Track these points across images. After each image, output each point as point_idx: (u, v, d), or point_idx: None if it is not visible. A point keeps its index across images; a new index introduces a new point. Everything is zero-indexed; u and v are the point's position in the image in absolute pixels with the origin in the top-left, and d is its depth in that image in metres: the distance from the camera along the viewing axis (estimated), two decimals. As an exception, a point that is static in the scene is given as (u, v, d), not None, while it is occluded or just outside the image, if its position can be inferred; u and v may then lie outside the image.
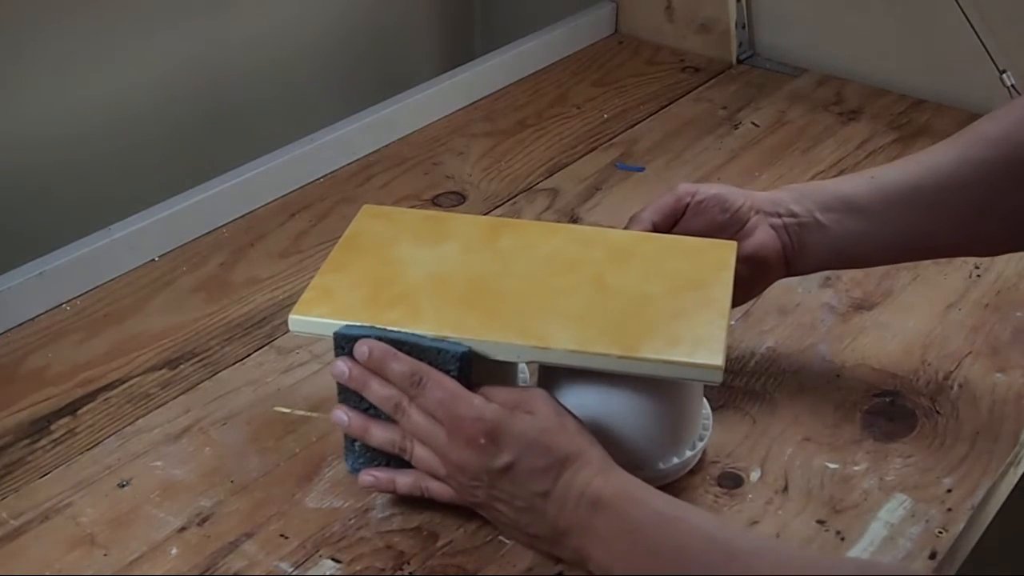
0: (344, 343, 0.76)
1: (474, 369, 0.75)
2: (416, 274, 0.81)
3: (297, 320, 0.79)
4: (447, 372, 0.74)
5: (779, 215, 0.85)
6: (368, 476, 0.78)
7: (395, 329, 0.75)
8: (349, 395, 0.77)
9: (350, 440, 0.79)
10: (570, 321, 0.77)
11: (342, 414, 0.78)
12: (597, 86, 1.39)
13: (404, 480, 0.78)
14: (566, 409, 0.74)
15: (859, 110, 1.33)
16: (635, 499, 0.69)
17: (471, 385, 0.74)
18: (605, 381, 0.77)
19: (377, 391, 0.75)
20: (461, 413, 0.72)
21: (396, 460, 0.78)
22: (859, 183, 0.85)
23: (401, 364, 0.74)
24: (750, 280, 0.86)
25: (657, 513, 0.69)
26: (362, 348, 0.75)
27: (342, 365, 0.76)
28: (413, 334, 0.75)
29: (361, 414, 0.77)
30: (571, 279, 0.81)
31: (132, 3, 1.17)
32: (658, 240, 0.85)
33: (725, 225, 0.86)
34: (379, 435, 0.77)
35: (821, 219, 0.85)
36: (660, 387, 0.77)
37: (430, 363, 0.74)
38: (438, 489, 0.77)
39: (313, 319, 0.78)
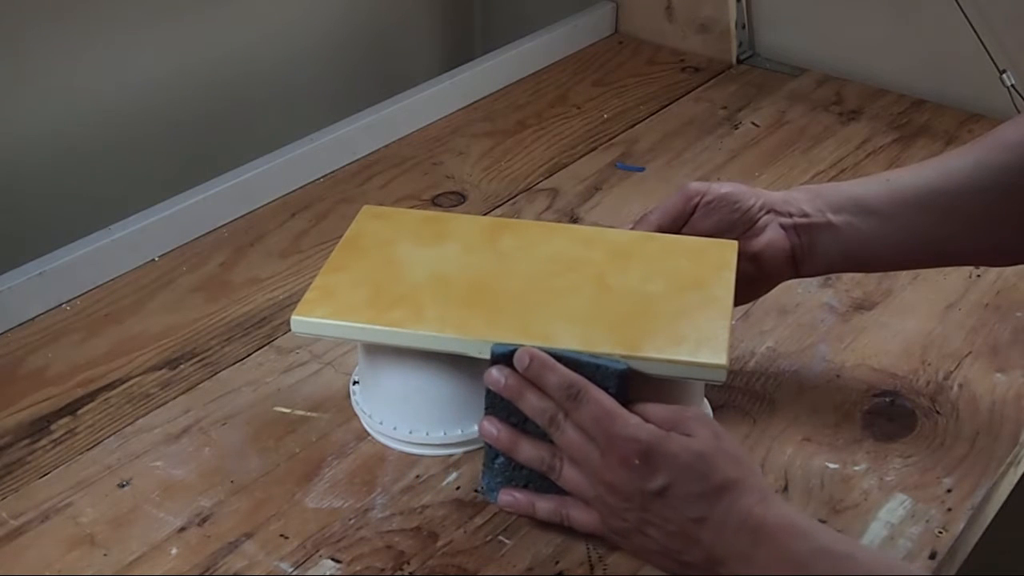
0: (500, 358, 0.75)
1: (473, 367, 0.75)
2: (417, 274, 0.81)
3: (299, 321, 0.79)
4: (605, 389, 0.72)
5: (790, 215, 0.84)
6: (508, 496, 0.76)
7: (561, 349, 0.74)
8: (497, 408, 0.75)
9: (490, 458, 0.77)
10: (573, 321, 0.77)
11: (492, 427, 0.75)
12: (597, 86, 1.39)
13: (545, 505, 0.75)
14: (726, 432, 0.71)
15: (859, 110, 1.33)
16: (800, 531, 0.66)
17: (628, 403, 0.72)
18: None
19: (533, 402, 0.73)
20: (616, 432, 0.69)
21: (534, 484, 0.76)
22: (874, 185, 0.84)
23: (559, 376, 0.72)
24: (757, 279, 0.85)
25: (824, 549, 0.65)
26: (523, 357, 0.73)
27: (498, 373, 0.74)
28: (572, 350, 0.74)
29: (511, 428, 0.75)
30: (572, 279, 0.81)
31: (132, 3, 1.17)
32: (659, 240, 0.85)
33: (735, 224, 0.85)
34: (528, 451, 0.74)
35: (833, 220, 0.83)
36: (660, 388, 0.77)
37: (588, 379, 0.72)
38: (580, 517, 0.74)
39: (315, 320, 0.79)
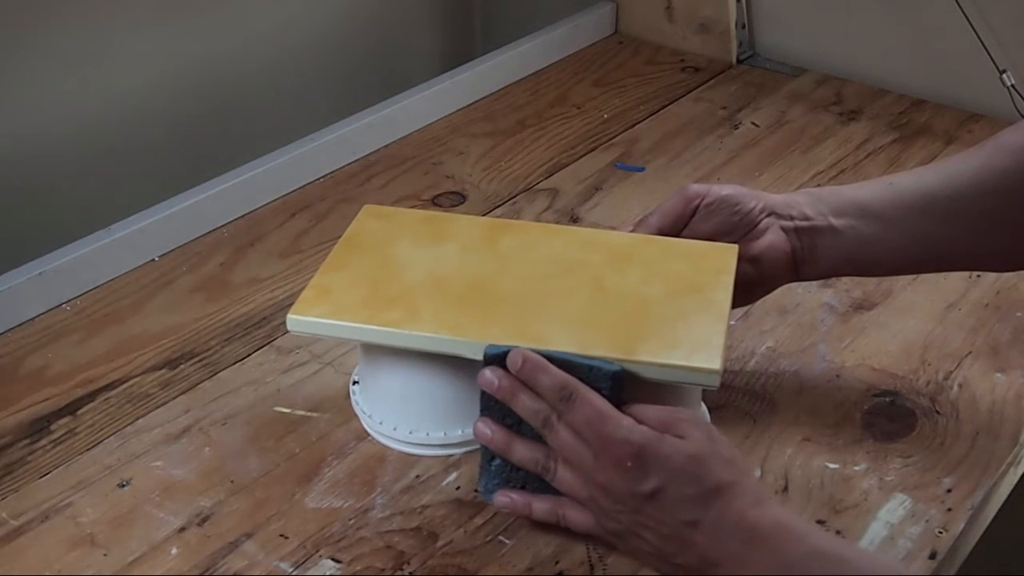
0: (493, 359, 0.74)
1: (473, 368, 0.75)
2: (415, 274, 0.81)
3: (295, 320, 0.79)
4: (598, 390, 0.72)
5: (791, 218, 0.84)
6: (504, 497, 0.76)
7: (554, 350, 0.73)
8: (492, 410, 0.75)
9: (486, 460, 0.77)
10: (569, 323, 0.77)
11: (486, 428, 0.75)
12: (597, 86, 1.39)
13: (541, 506, 0.75)
14: (720, 435, 0.71)
15: (859, 110, 1.33)
16: (794, 534, 0.66)
17: (621, 405, 0.72)
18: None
19: (526, 404, 0.73)
20: (609, 433, 0.69)
21: (531, 485, 0.76)
22: (876, 189, 0.84)
23: (552, 378, 0.72)
24: (756, 282, 0.85)
25: (819, 551, 0.65)
26: (515, 358, 0.73)
27: (491, 375, 0.74)
28: (565, 352, 0.73)
29: (505, 429, 0.75)
30: (570, 281, 0.81)
31: (132, 3, 1.17)
32: (658, 243, 0.85)
33: (735, 226, 0.84)
34: (522, 452, 0.74)
35: (835, 224, 0.83)
36: (655, 392, 0.76)
37: (581, 380, 0.72)
38: (576, 517, 0.73)
39: (311, 319, 0.79)
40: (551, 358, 0.73)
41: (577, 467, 0.72)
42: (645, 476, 0.68)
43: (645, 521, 0.69)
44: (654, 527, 0.69)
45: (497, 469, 0.77)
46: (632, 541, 0.71)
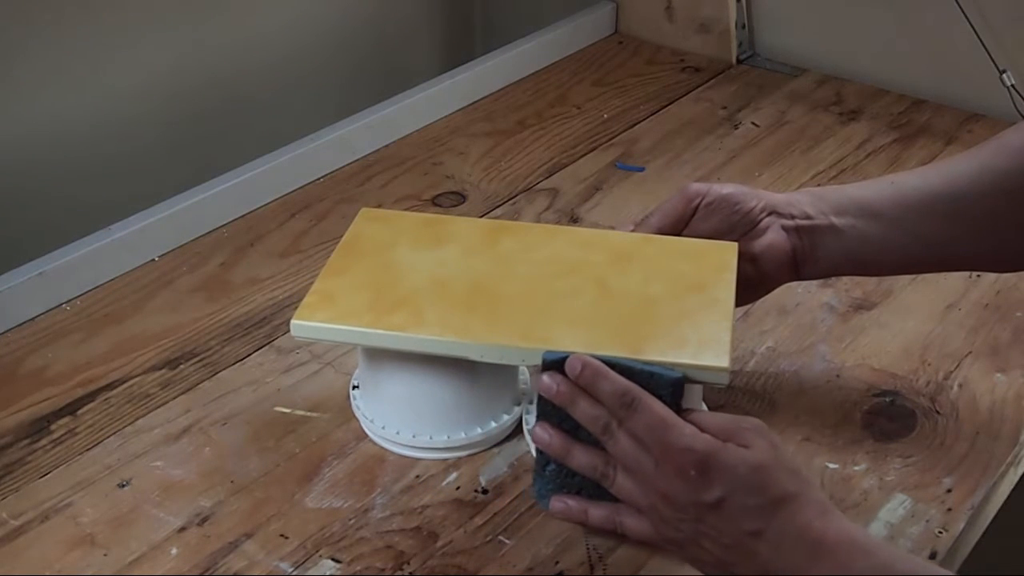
0: (551, 365, 0.73)
1: (475, 371, 0.75)
2: (417, 278, 0.81)
3: (299, 325, 0.78)
4: (659, 397, 0.71)
5: (792, 216, 0.83)
6: (560, 503, 0.74)
7: (614, 356, 0.72)
8: (548, 415, 0.74)
9: (541, 464, 0.75)
10: (574, 324, 0.77)
11: (544, 433, 0.73)
12: (597, 86, 1.39)
13: (598, 512, 0.72)
14: (782, 444, 0.69)
15: (859, 110, 1.33)
16: (861, 548, 0.65)
17: (680, 411, 0.71)
18: None
19: (585, 410, 0.71)
20: (671, 442, 0.68)
21: (586, 491, 0.74)
22: (878, 188, 0.84)
23: (612, 384, 0.70)
24: (757, 281, 0.85)
25: (885, 565, 0.64)
26: (575, 364, 0.71)
27: (549, 380, 0.72)
28: (625, 358, 0.72)
29: (564, 434, 0.74)
30: (573, 282, 0.81)
31: (132, 3, 1.17)
32: (658, 242, 0.85)
33: (736, 225, 0.84)
34: (581, 458, 0.72)
35: (836, 223, 0.83)
36: None
37: (641, 387, 0.71)
38: (634, 525, 0.71)
39: (316, 324, 0.78)
40: (610, 364, 0.72)
41: (638, 475, 0.70)
42: (709, 485, 0.67)
43: (707, 530, 0.68)
44: (716, 536, 0.67)
45: (552, 474, 0.75)
46: (692, 550, 0.69)
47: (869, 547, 0.65)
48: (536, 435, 0.74)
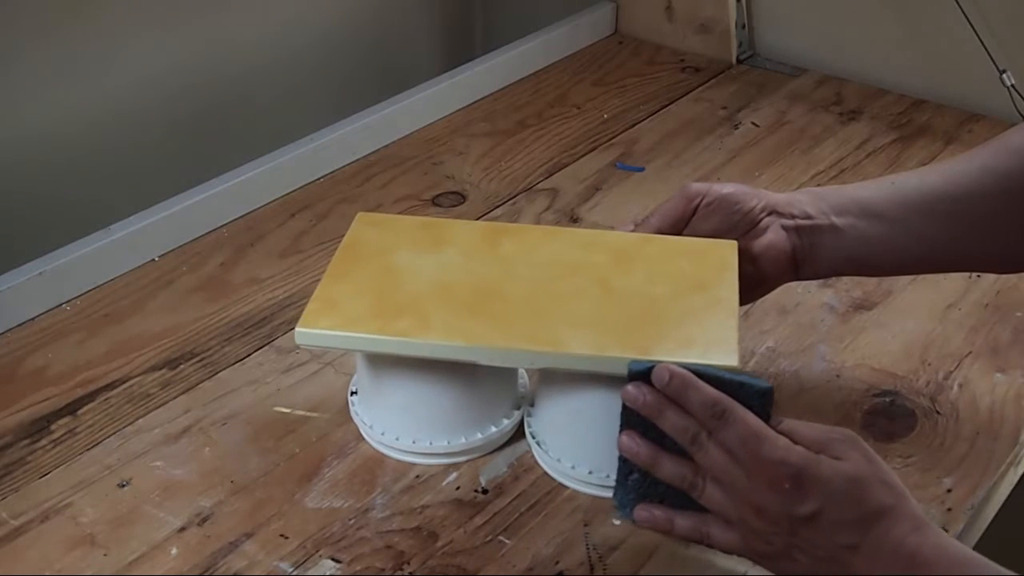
0: (637, 375, 0.72)
1: (475, 375, 0.75)
2: (419, 282, 0.81)
3: (304, 333, 0.78)
4: (749, 408, 0.69)
5: (793, 216, 0.83)
6: (646, 512, 0.73)
7: (701, 365, 0.71)
8: (634, 424, 0.72)
9: (623, 474, 0.74)
10: (581, 325, 0.76)
11: (632, 442, 0.72)
12: (597, 86, 1.39)
13: (684, 523, 0.72)
14: (877, 455, 0.68)
15: (859, 110, 1.33)
16: (958, 562, 0.64)
17: (769, 421, 0.69)
18: (604, 384, 0.76)
19: (674, 420, 0.70)
20: (765, 454, 0.67)
21: (669, 501, 0.73)
22: (879, 188, 0.83)
23: (702, 394, 0.69)
24: (756, 281, 0.85)
25: None
26: (662, 374, 0.70)
27: (635, 391, 0.71)
28: (712, 367, 0.71)
29: (651, 443, 0.72)
30: (575, 283, 0.81)
31: (132, 3, 1.17)
32: (658, 241, 0.85)
33: (736, 225, 0.84)
34: (669, 468, 0.71)
35: (836, 222, 0.82)
36: None
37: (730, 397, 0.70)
38: (722, 536, 0.70)
39: (320, 331, 0.78)
40: (698, 373, 0.71)
41: (728, 486, 0.69)
42: (803, 499, 0.66)
43: (800, 544, 0.67)
44: (809, 550, 0.67)
45: (635, 483, 0.74)
46: (784, 563, 0.69)
47: (965, 562, 0.65)
48: (623, 444, 0.73)
